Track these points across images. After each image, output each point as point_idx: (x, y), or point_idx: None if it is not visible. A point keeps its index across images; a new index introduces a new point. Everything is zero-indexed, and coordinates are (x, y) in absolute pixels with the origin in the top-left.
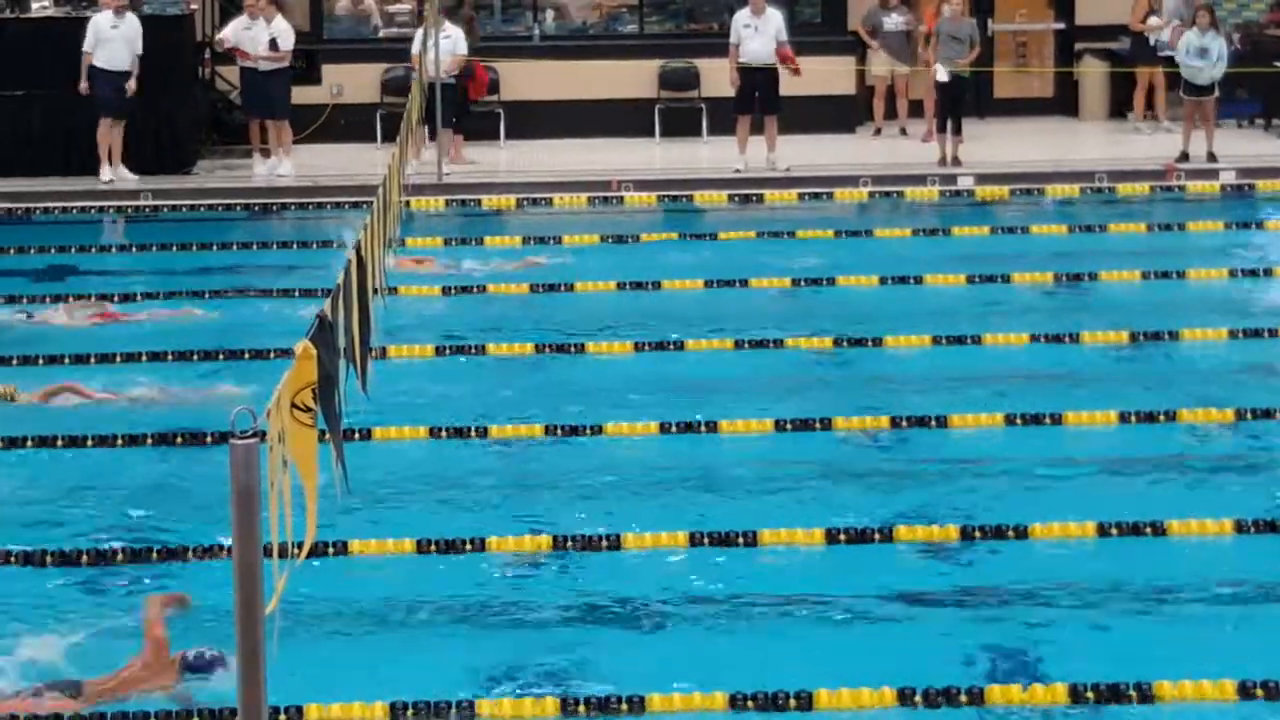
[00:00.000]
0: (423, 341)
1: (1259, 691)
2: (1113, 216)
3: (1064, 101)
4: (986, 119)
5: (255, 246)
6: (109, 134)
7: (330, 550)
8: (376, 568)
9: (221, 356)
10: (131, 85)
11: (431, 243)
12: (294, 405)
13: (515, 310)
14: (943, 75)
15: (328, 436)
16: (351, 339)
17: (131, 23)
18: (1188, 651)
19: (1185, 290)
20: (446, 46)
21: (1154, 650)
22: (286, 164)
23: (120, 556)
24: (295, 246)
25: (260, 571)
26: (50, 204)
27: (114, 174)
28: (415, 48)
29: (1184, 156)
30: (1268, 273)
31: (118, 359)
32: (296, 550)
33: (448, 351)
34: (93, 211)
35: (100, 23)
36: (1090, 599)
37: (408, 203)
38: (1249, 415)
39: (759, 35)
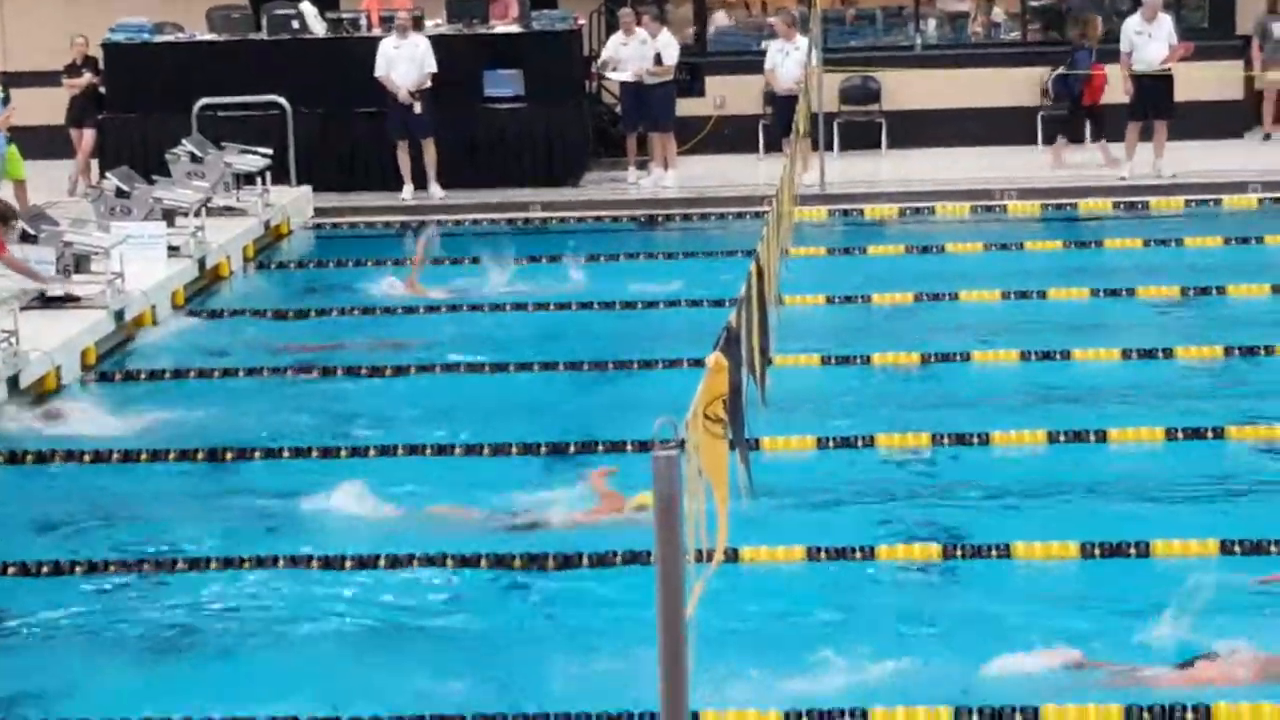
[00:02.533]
0: (808, 351)
1: None
2: None
3: None
4: None
5: (641, 257)
6: (404, 155)
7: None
8: (768, 576)
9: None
10: (417, 106)
11: (815, 252)
12: (706, 416)
13: (900, 320)
14: None
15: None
16: (751, 348)
17: (415, 42)
18: None
19: None
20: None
21: None
22: (670, 175)
23: None
24: (680, 256)
25: (682, 578)
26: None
27: (411, 193)
28: (768, 63)
29: None
30: None
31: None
32: (709, 557)
33: (833, 361)
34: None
35: (385, 46)
36: None
37: (792, 212)
38: None
39: (1152, 41)
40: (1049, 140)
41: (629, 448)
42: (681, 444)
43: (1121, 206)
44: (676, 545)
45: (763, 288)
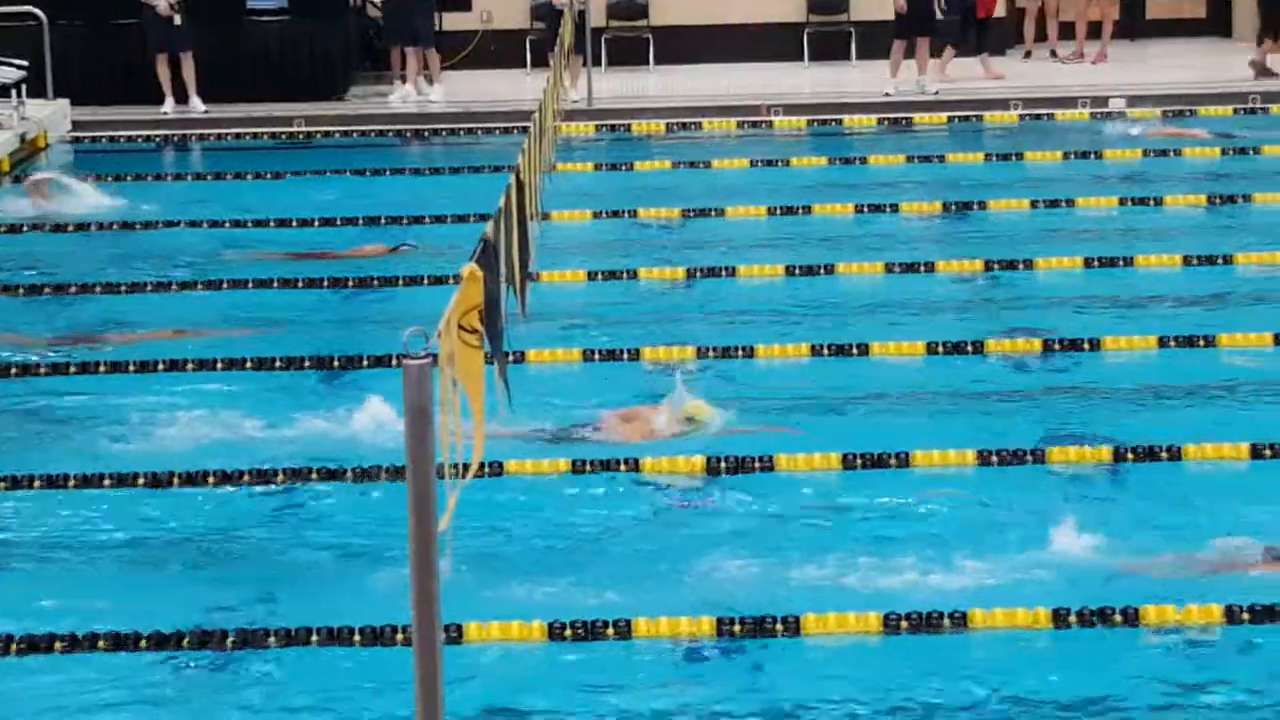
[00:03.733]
0: (574, 266)
1: None
2: (1266, 138)
3: (1217, 21)
4: (1138, 40)
5: (408, 172)
6: (164, 68)
7: (486, 471)
8: (531, 488)
9: (376, 283)
10: (177, 19)
11: (582, 167)
12: (461, 327)
13: (667, 235)
14: None
15: (491, 358)
16: (511, 262)
17: None
18: None
19: None
20: None
21: None
22: (437, 90)
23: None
24: (447, 172)
25: (434, 491)
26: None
27: (172, 107)
28: None
29: None
30: None
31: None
32: (464, 471)
33: (600, 277)
34: (245, 138)
35: None
36: (1254, 516)
37: (559, 128)
38: None
39: None
40: (815, 56)
41: (393, 363)
42: (433, 356)
43: (885, 122)
44: (428, 457)
45: (523, 201)
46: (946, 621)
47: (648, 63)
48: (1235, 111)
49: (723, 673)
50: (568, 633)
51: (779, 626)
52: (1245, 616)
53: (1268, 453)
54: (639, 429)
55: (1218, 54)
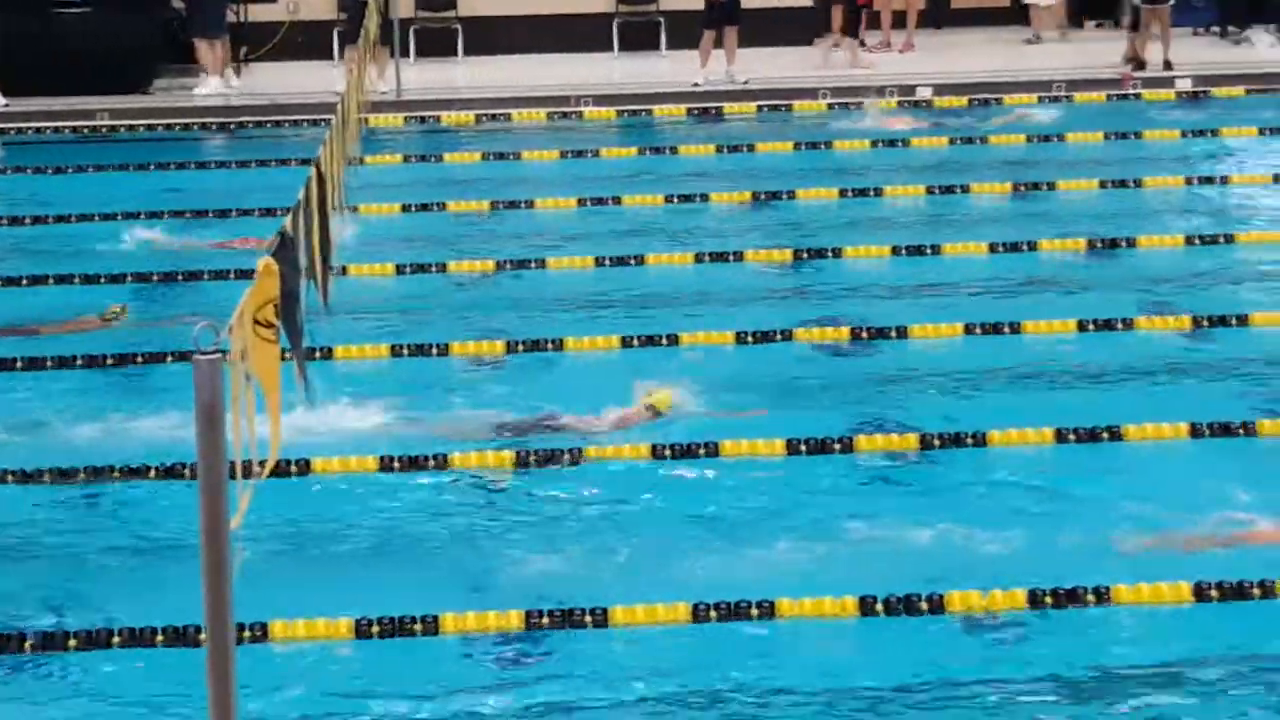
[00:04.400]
0: (383, 259)
1: (1213, 593)
2: (1070, 125)
3: (1020, 11)
4: (943, 29)
5: (213, 165)
6: None
7: (293, 469)
8: (339, 486)
9: (181, 278)
10: None
11: (390, 159)
12: (256, 321)
13: (476, 227)
14: None
15: (290, 354)
16: (312, 256)
17: None
18: (1133, 554)
19: (1142, 198)
20: None
21: (1105, 553)
22: (231, 81)
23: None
24: (254, 165)
25: (225, 489)
26: None
27: None
28: None
29: (1140, 65)
30: (1224, 180)
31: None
32: (260, 467)
33: (408, 270)
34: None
35: None
36: (1048, 504)
37: (366, 120)
38: (1205, 321)
39: None
40: (625, 47)
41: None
42: (224, 352)
43: (695, 113)
44: (219, 454)
45: (324, 194)
46: (754, 610)
47: (457, 54)
48: (1040, 99)
49: (532, 666)
50: (375, 629)
51: (588, 618)
52: (1048, 600)
53: (1072, 437)
54: (606, 419)
55: (1021, 43)
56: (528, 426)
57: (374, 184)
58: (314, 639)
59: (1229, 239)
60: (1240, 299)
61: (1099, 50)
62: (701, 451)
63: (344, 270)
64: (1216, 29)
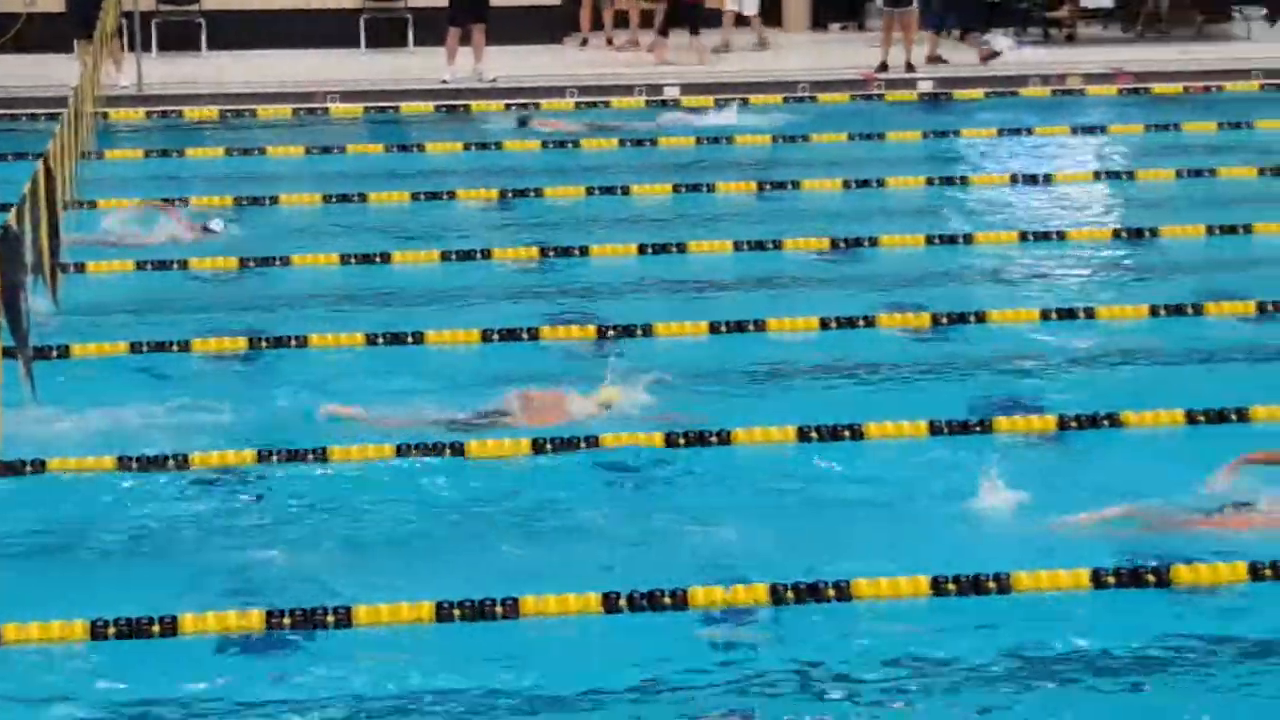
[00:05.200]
0: (122, 256)
1: (950, 586)
2: (815, 126)
3: (773, 12)
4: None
5: None
6: None
7: (28, 468)
8: (76, 485)
9: None
10: None
11: (132, 154)
12: None
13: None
14: None
15: (16, 351)
16: (40, 251)
17: None
18: (873, 549)
19: (885, 198)
20: None
21: (847, 548)
22: None
23: None
24: None
25: None
26: None
27: None
28: None
29: (883, 67)
30: (964, 180)
31: None
32: None
33: (149, 267)
34: None
35: None
36: (788, 504)
37: (105, 114)
38: (944, 319)
39: None
40: (372, 43)
41: None
42: None
43: (443, 110)
44: None
45: (52, 190)
46: (499, 609)
47: (200, 48)
48: (785, 100)
49: (274, 664)
50: (110, 630)
51: (329, 617)
52: (789, 595)
53: (814, 435)
54: (552, 414)
55: (772, 44)
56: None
57: (112, 178)
58: (47, 642)
59: (968, 239)
60: (978, 297)
61: (842, 52)
62: (448, 451)
63: (81, 267)
64: (957, 32)
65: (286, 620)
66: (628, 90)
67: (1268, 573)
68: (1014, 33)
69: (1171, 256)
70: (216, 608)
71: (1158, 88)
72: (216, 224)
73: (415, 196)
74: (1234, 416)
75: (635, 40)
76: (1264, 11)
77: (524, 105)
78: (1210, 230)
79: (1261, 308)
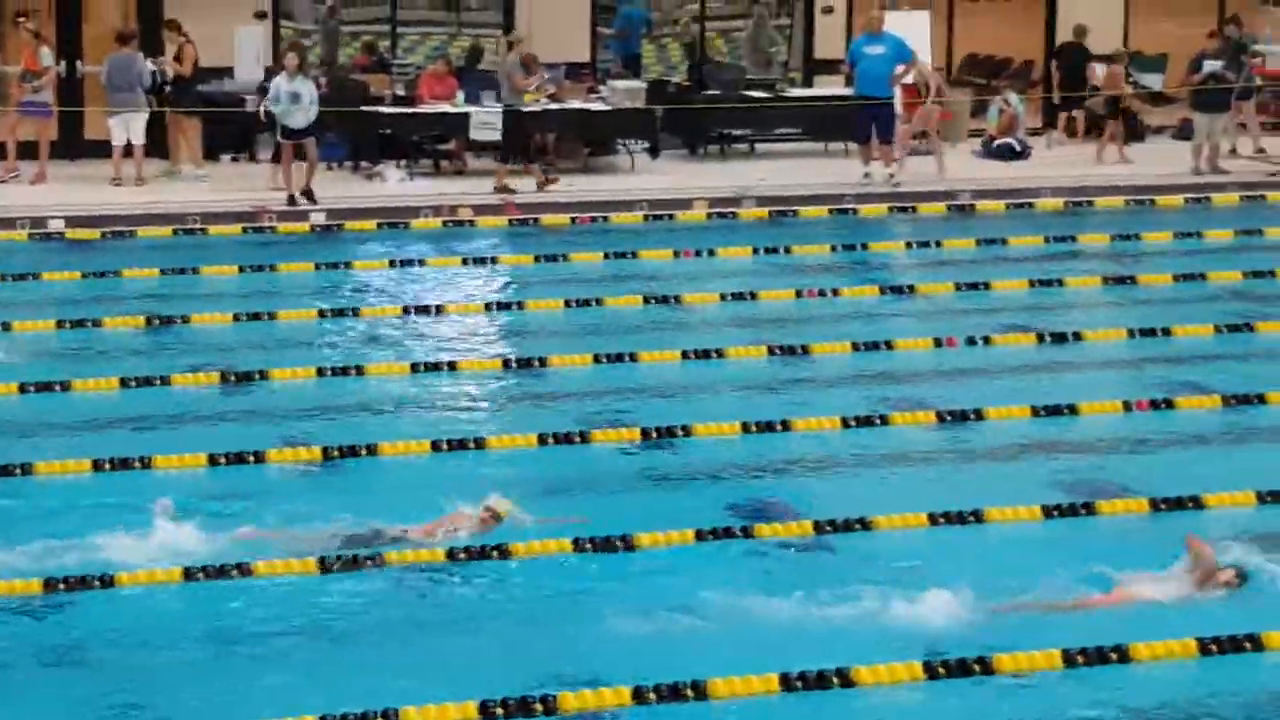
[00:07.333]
0: None
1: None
2: (205, 259)
3: (158, 145)
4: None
5: None
6: None
7: None
8: None
9: None
10: None
11: None
12: None
13: None
14: None
15: None
16: None
17: None
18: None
19: (276, 329)
20: None
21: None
22: None
23: None
24: None
25: None
26: None
27: None
28: None
29: (291, 199)
30: (355, 311)
31: None
32: None
33: None
34: None
35: None
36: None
37: None
38: (336, 452)
39: None
40: None
41: None
42: None
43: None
44: None
45: None
46: None
47: None
48: (175, 232)
49: None
50: None
51: None
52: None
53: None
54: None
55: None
56: None
57: None
58: None
59: (360, 370)
60: (369, 429)
61: (242, 183)
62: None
63: None
64: (350, 163)
65: None
66: (10, 224)
67: None
68: (405, 164)
69: (558, 386)
70: None
71: (546, 218)
72: None
73: None
74: (619, 545)
75: (15, 169)
76: (647, 145)
77: (120, 234)
78: (598, 359)
79: (646, 434)
